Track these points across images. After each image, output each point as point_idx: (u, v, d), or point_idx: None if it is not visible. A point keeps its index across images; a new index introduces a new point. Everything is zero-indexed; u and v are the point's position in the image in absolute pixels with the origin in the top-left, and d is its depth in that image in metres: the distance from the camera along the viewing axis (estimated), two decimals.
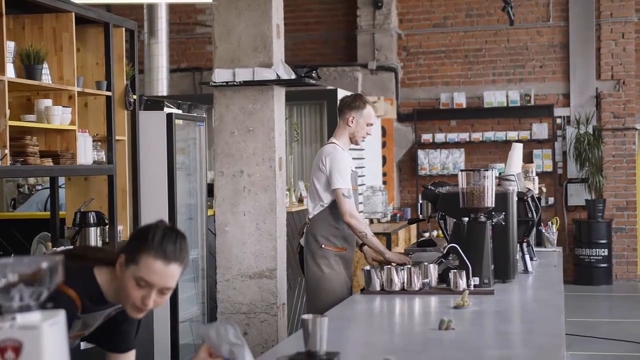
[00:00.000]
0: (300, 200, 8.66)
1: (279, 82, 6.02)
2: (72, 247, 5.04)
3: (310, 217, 5.37)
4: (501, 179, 5.20)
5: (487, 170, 4.50)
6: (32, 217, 6.81)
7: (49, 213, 5.86)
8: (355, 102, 5.37)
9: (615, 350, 8.39)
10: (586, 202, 12.57)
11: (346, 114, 5.37)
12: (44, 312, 1.80)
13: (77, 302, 2.68)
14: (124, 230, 5.94)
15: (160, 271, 2.63)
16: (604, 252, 12.42)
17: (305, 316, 2.77)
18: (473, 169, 4.61)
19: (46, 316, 1.78)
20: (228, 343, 2.53)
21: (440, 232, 12.48)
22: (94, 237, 5.51)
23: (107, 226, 5.69)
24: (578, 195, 12.77)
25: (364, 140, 5.56)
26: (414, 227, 11.33)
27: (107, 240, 5.70)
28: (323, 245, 5.27)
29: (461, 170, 4.55)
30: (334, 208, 5.24)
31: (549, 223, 6.62)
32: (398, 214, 11.10)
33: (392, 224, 10.42)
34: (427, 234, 12.54)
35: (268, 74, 6.00)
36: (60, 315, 1.79)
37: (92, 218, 5.52)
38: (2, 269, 1.77)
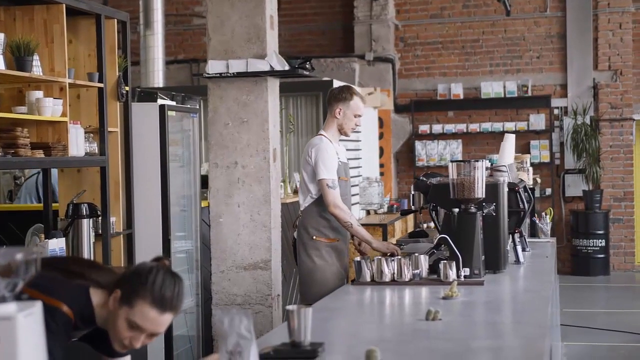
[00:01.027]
0: (296, 192, 8.66)
1: (272, 73, 6.02)
2: (68, 257, 5.01)
3: (301, 209, 5.41)
4: (493, 169, 5.20)
5: (478, 161, 4.50)
6: (27, 209, 6.81)
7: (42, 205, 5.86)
8: (342, 93, 5.40)
9: (612, 340, 8.40)
10: (583, 193, 12.57)
11: (333, 106, 5.40)
12: (20, 303, 1.80)
13: (72, 320, 2.69)
14: (116, 222, 5.94)
15: (154, 319, 2.66)
16: (601, 242, 12.42)
17: (289, 307, 2.79)
18: (463, 159, 4.62)
19: (21, 307, 1.78)
20: (237, 334, 2.54)
21: None
22: (87, 228, 5.51)
23: (99, 218, 5.69)
24: (575, 186, 12.77)
25: (356, 131, 5.57)
26: (410, 218, 11.34)
27: (99, 231, 5.70)
28: (314, 237, 5.30)
29: (451, 161, 4.55)
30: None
31: (543, 214, 6.61)
32: (395, 205, 11.10)
33: (389, 215, 10.43)
34: (424, 225, 12.55)
35: (261, 65, 6.00)
36: (36, 307, 1.80)
37: (84, 210, 5.52)
38: None
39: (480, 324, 3.51)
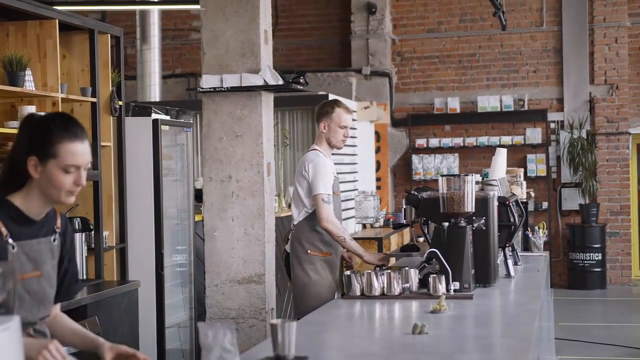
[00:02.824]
0: (290, 206, 8.67)
1: (266, 87, 6.05)
2: None
3: (294, 223, 5.45)
4: (484, 183, 5.22)
5: (467, 175, 4.52)
6: None
7: None
8: (324, 108, 5.53)
9: (608, 354, 8.39)
10: (580, 207, 12.58)
11: (319, 121, 5.54)
12: None
13: (1, 227, 2.72)
14: (109, 236, 5.95)
15: (81, 151, 2.77)
16: (597, 256, 12.42)
17: (273, 321, 2.80)
18: (453, 174, 4.64)
19: None
20: (221, 347, 2.57)
21: None
22: (79, 243, 5.52)
23: (92, 232, 5.70)
24: (572, 200, 12.78)
25: (351, 145, 5.63)
26: (407, 231, 11.35)
27: (92, 246, 5.72)
28: (309, 251, 5.34)
29: (441, 175, 4.57)
30: None
31: (536, 228, 6.62)
32: (391, 219, 11.10)
33: (385, 228, 10.43)
34: (421, 239, 12.53)
35: (255, 80, 6.03)
36: (14, 321, 1.81)
37: (77, 224, 5.54)
38: None
39: (466, 338, 3.51)
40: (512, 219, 5.13)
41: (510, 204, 5.14)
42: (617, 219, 12.80)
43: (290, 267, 5.46)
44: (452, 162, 13.02)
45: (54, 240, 2.90)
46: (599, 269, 12.45)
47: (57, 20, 5.28)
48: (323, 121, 5.47)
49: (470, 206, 4.49)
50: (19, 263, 2.72)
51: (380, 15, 13.12)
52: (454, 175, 4.54)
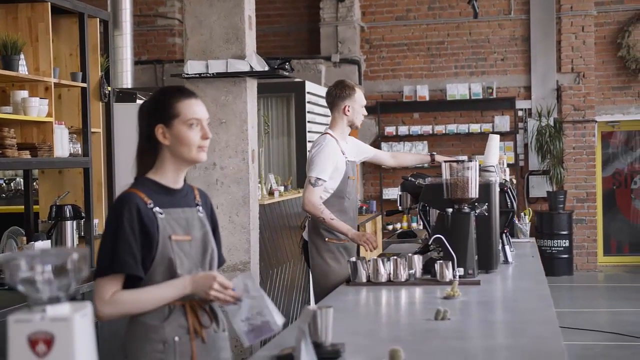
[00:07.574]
0: (271, 193, 8.62)
1: (252, 74, 6.00)
2: None
3: None
4: (481, 169, 5.22)
5: (471, 161, 4.52)
6: (5, 211, 6.69)
7: (23, 207, 5.76)
8: (345, 91, 5.41)
9: (577, 339, 8.49)
10: (547, 194, 12.71)
11: (340, 105, 5.41)
12: (74, 304, 1.77)
13: (140, 194, 2.86)
14: (100, 224, 5.86)
15: (197, 105, 2.96)
16: (565, 243, 12.57)
17: (310, 307, 2.76)
18: (457, 160, 4.63)
19: (76, 308, 1.75)
20: (249, 297, 2.72)
21: (406, 224, 12.51)
22: (70, 230, 5.43)
23: (83, 220, 5.60)
24: (539, 187, 12.91)
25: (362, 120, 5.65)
26: (379, 219, 11.38)
27: (83, 234, 5.62)
28: (327, 239, 5.25)
29: (445, 161, 4.56)
30: (335, 199, 5.22)
31: (522, 214, 6.66)
32: (364, 207, 11.12)
33: (359, 216, 10.43)
34: (390, 227, 12.58)
35: (241, 66, 5.99)
36: (88, 308, 1.76)
37: (68, 212, 5.44)
38: (30, 260, 1.73)
39: (492, 323, 3.50)
40: (509, 205, 5.16)
41: (508, 190, 5.16)
42: (584, 206, 12.96)
43: (309, 255, 5.34)
44: (421, 150, 13.06)
45: (200, 212, 3.02)
46: (566, 256, 12.60)
47: (49, 3, 5.16)
48: (346, 104, 5.39)
49: (474, 192, 4.49)
50: (170, 226, 2.87)
51: (349, 2, 13.09)
52: (457, 161, 4.53)
